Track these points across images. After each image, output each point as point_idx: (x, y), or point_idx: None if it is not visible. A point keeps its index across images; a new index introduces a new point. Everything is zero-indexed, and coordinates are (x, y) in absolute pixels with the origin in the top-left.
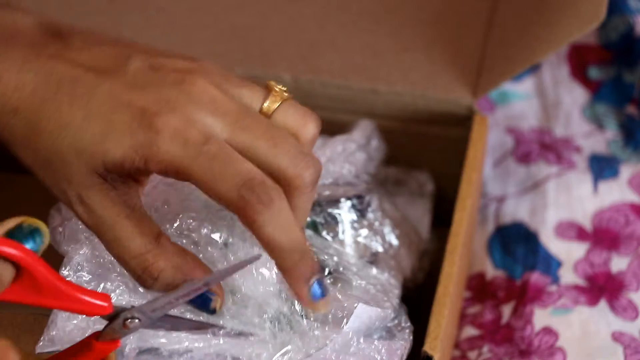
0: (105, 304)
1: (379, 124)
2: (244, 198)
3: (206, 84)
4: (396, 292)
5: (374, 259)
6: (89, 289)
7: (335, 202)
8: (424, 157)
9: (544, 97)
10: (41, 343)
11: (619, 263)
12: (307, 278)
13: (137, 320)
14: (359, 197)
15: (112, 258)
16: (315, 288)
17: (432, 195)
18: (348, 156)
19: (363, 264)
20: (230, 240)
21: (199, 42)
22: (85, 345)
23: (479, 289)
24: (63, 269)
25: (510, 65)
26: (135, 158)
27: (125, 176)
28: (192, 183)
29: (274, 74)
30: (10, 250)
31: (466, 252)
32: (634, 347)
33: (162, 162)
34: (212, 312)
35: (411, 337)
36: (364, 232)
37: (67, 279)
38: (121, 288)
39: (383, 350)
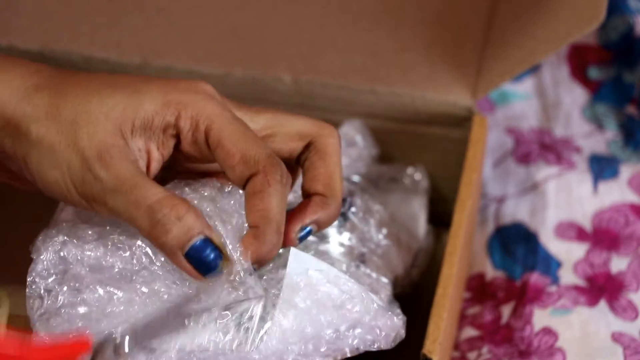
0: (86, 346)
1: (378, 125)
2: (272, 164)
3: None
4: (386, 290)
5: (362, 259)
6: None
7: None
8: (424, 158)
9: (544, 97)
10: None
11: (618, 263)
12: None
13: (128, 341)
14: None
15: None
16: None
17: (427, 191)
18: None
19: (351, 265)
20: None
21: (199, 42)
22: None
23: (478, 289)
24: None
25: (510, 66)
26: (167, 113)
27: (150, 139)
28: (215, 143)
29: (273, 75)
30: None
31: (466, 253)
32: (634, 347)
33: (195, 118)
34: (214, 268)
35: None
36: (348, 234)
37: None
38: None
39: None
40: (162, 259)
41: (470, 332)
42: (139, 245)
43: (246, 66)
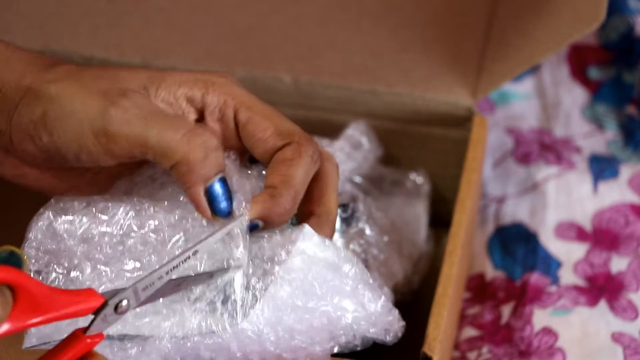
0: (98, 300)
1: (378, 125)
2: (307, 139)
3: None
4: (388, 297)
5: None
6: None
7: None
8: (424, 158)
9: (544, 97)
10: (27, 340)
11: (618, 263)
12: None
13: (126, 302)
14: (344, 206)
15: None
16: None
17: (428, 196)
18: None
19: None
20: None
21: (199, 43)
22: (72, 339)
23: (478, 289)
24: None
25: (510, 67)
26: (194, 87)
27: (171, 106)
28: (246, 119)
29: (274, 75)
30: (9, 275)
31: (466, 253)
32: (634, 347)
33: (224, 95)
34: (225, 210)
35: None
36: (351, 240)
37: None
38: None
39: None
40: (151, 222)
41: (470, 332)
42: (127, 209)
43: (246, 66)
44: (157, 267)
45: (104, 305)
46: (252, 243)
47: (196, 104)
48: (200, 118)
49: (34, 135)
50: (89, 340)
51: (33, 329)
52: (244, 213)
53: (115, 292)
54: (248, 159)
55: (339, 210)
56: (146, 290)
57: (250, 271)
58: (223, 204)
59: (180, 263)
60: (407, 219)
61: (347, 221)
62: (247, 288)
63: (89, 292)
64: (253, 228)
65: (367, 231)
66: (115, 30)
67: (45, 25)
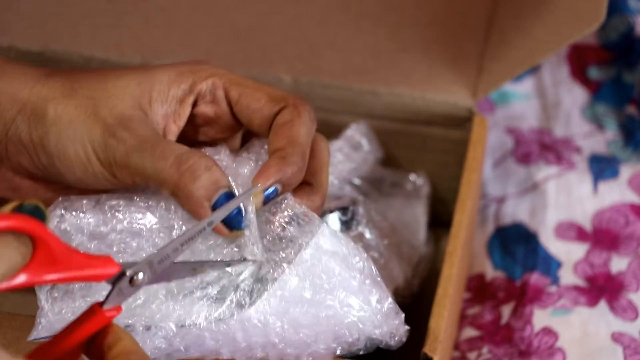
0: (115, 267)
1: (378, 125)
2: (301, 100)
3: None
4: (389, 298)
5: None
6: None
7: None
8: (424, 158)
9: (544, 97)
10: (34, 332)
11: (618, 263)
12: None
13: (142, 275)
14: (344, 209)
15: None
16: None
17: (428, 197)
18: (333, 167)
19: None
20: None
21: (199, 43)
22: (90, 313)
23: (478, 289)
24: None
25: (510, 67)
26: (182, 81)
27: (166, 111)
28: (238, 95)
29: (273, 75)
30: (24, 223)
31: (466, 254)
32: (634, 347)
33: (211, 79)
34: (238, 223)
35: (405, 337)
36: None
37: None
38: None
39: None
40: (157, 217)
41: (470, 332)
42: (138, 206)
43: (246, 66)
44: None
45: (120, 275)
46: (265, 234)
47: (188, 98)
48: (194, 106)
49: (32, 153)
50: (107, 314)
51: (43, 321)
52: (252, 190)
53: (132, 264)
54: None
55: (338, 214)
56: (162, 263)
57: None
58: (234, 218)
59: (196, 234)
60: (407, 221)
61: (346, 224)
62: (257, 278)
63: (107, 258)
64: (272, 195)
65: (367, 235)
66: (115, 30)
67: (45, 25)
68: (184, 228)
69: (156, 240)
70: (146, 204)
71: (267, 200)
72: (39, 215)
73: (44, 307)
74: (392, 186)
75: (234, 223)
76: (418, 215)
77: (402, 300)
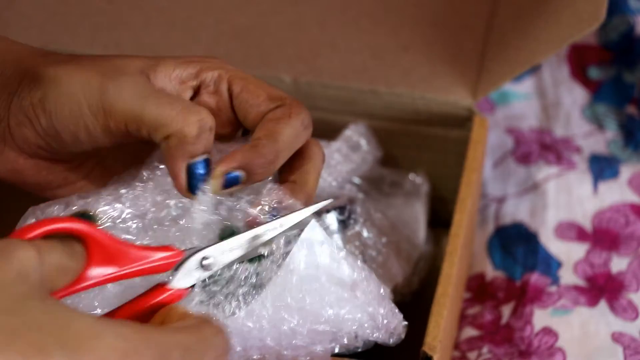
0: (179, 255)
1: (378, 125)
2: (298, 103)
3: None
4: (387, 300)
5: None
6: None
7: (317, 216)
8: (424, 158)
9: (544, 97)
10: None
11: (618, 263)
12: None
13: (212, 259)
14: (341, 208)
15: None
16: None
17: (427, 196)
18: (331, 168)
19: None
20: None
21: (199, 43)
22: (155, 289)
23: (478, 289)
24: None
25: (510, 67)
26: (189, 67)
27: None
28: (240, 88)
29: (273, 75)
30: (78, 225)
31: (466, 253)
32: (634, 347)
33: (217, 71)
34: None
35: (404, 333)
36: (348, 242)
37: None
38: None
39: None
40: (128, 206)
41: (470, 332)
42: (105, 202)
43: (246, 66)
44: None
45: (185, 260)
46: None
47: (191, 82)
48: (195, 94)
49: (33, 118)
50: (172, 293)
51: None
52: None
53: (199, 249)
54: (241, 133)
55: (335, 213)
56: (233, 251)
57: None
58: (201, 184)
59: (267, 232)
60: (406, 220)
61: (344, 223)
62: (252, 282)
63: (167, 247)
64: (232, 181)
65: (365, 233)
66: (115, 30)
67: (45, 25)
68: (155, 214)
69: (130, 228)
70: (115, 196)
71: (227, 184)
72: (87, 218)
73: None
74: (391, 185)
75: (198, 188)
76: (417, 214)
77: (401, 298)
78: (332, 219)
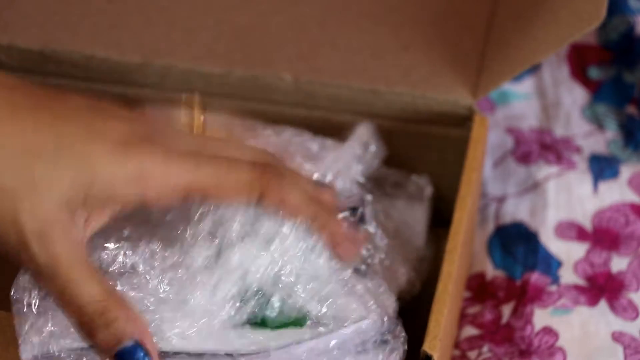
0: None
1: (379, 124)
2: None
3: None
4: (392, 304)
5: (368, 271)
6: None
7: None
8: (424, 157)
9: (544, 97)
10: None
11: (619, 263)
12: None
13: None
14: (353, 209)
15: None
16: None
17: (430, 200)
18: (344, 168)
19: (359, 277)
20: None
21: (199, 42)
22: None
23: (478, 289)
24: None
25: (511, 66)
26: (128, 191)
27: (95, 209)
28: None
29: (274, 74)
30: None
31: (466, 252)
32: (634, 347)
33: (164, 185)
34: None
35: (405, 346)
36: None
37: None
38: None
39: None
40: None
41: (470, 331)
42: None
43: (247, 65)
44: None
45: None
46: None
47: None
48: None
49: None
50: None
51: (35, 339)
52: None
53: None
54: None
55: (347, 214)
56: None
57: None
58: None
59: None
60: (409, 222)
61: (355, 225)
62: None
63: None
64: None
65: (375, 235)
66: (116, 30)
67: (45, 25)
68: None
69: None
70: None
71: None
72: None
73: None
74: (394, 186)
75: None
76: (419, 217)
77: (403, 302)
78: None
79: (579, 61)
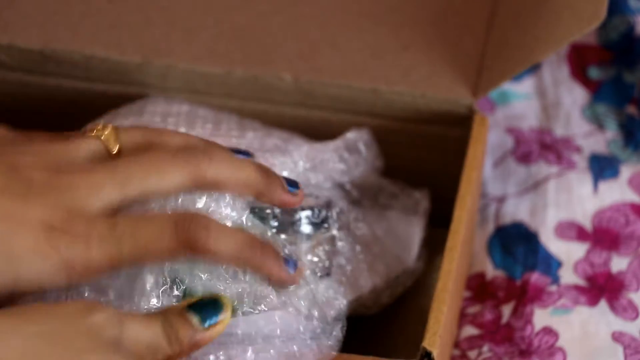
0: None
1: (379, 124)
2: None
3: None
4: (337, 307)
5: (326, 272)
6: None
7: (290, 213)
8: (424, 157)
9: (544, 97)
10: None
11: (619, 263)
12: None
13: None
14: (315, 209)
15: None
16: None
17: (426, 214)
18: (320, 163)
19: (312, 277)
20: None
21: (200, 41)
22: None
23: (479, 288)
24: None
25: (511, 66)
26: (55, 275)
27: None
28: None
29: (274, 74)
30: None
31: (466, 251)
32: (634, 347)
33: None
34: None
35: (336, 349)
36: (318, 245)
37: None
38: None
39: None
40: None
41: (470, 330)
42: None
43: (247, 65)
44: None
45: None
46: None
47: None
48: None
49: None
50: None
51: None
52: None
53: None
54: None
55: (309, 212)
56: None
57: None
58: None
59: None
60: (399, 235)
61: (316, 226)
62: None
63: None
64: None
65: (338, 239)
66: (116, 30)
67: (45, 25)
68: None
69: None
70: None
71: None
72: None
73: None
74: (389, 197)
75: None
76: (413, 230)
77: (366, 310)
78: (302, 218)
79: (579, 61)
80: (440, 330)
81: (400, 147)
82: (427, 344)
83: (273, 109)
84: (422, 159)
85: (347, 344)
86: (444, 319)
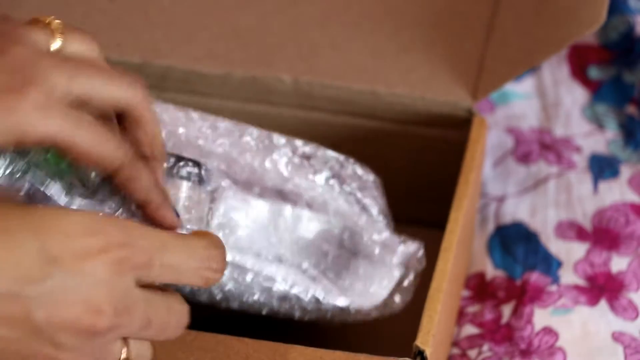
0: None
1: (378, 126)
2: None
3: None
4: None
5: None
6: None
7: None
8: (423, 159)
9: (544, 97)
10: None
11: (619, 263)
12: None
13: None
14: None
15: None
16: None
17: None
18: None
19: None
20: None
21: (199, 42)
22: None
23: (479, 288)
24: None
25: (510, 68)
26: (6, 135)
27: None
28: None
29: (273, 75)
30: None
31: (463, 251)
32: (634, 347)
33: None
34: None
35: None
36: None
37: None
38: None
39: None
40: None
41: (470, 330)
42: None
43: (246, 66)
44: None
45: None
46: None
47: None
48: None
49: None
50: None
51: None
52: None
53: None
54: None
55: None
56: None
57: None
58: None
59: None
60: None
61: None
62: None
63: None
64: None
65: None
66: (116, 30)
67: None
68: None
69: None
70: None
71: None
72: None
73: None
74: (383, 248)
75: None
76: (385, 284)
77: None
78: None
79: (579, 61)
80: (433, 329)
81: (399, 149)
82: (420, 342)
83: (272, 110)
84: (421, 161)
85: (341, 342)
86: (437, 318)
